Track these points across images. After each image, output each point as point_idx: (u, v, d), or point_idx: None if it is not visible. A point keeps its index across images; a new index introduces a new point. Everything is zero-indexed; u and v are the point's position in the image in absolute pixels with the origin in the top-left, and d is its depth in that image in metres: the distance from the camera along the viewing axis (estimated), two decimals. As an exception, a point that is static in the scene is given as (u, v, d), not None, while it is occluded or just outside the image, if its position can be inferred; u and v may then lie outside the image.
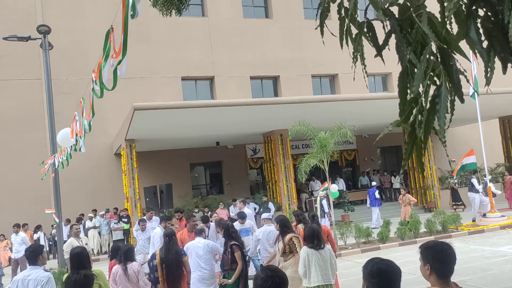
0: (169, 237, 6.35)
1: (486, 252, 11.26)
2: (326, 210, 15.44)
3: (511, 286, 8.00)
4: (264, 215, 8.38)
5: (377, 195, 17.97)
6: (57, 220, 11.51)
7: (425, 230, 13.98)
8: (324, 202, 15.60)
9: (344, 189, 21.50)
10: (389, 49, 2.10)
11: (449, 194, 20.45)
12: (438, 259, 2.54)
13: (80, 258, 5.12)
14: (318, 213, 15.12)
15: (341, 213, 19.22)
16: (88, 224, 17.46)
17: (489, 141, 21.02)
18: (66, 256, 9.39)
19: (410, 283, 8.59)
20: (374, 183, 19.20)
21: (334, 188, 15.45)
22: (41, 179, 15.47)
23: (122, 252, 6.06)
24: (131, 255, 6.05)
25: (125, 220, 16.52)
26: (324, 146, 13.00)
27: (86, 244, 9.84)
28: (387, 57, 2.31)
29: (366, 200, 23.76)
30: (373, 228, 15.61)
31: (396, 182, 23.47)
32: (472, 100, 14.47)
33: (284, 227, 6.51)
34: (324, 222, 15.09)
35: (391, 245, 13.08)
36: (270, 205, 18.08)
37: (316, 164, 13.44)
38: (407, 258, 10.80)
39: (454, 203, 19.77)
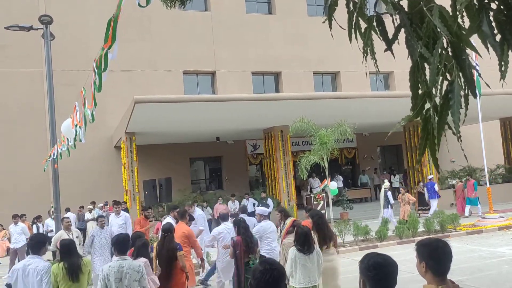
0: (165, 233, 6.35)
1: (484, 252, 11.27)
2: (392, 201, 16.01)
3: (509, 286, 8.00)
4: (259, 210, 8.33)
5: (436, 188, 18.63)
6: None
7: (424, 229, 13.99)
8: (389, 193, 16.17)
9: (344, 187, 21.50)
10: (398, 43, 2.08)
11: (416, 199, 20.22)
12: (434, 257, 2.54)
13: (69, 248, 5.26)
14: (382, 204, 15.91)
15: (339, 211, 19.23)
16: (87, 216, 17.50)
17: (489, 142, 21.03)
18: (53, 248, 9.32)
19: (407, 281, 8.60)
20: (431, 176, 19.43)
21: (333, 185, 15.48)
22: (43, 170, 15.44)
23: (136, 247, 6.00)
24: (144, 252, 5.97)
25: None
26: (325, 143, 13.02)
27: (77, 237, 9.30)
28: (390, 56, 2.29)
29: (365, 198, 23.93)
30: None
31: (396, 181, 23.49)
32: (474, 100, 14.47)
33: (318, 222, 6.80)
34: (388, 213, 15.75)
35: (389, 243, 13.09)
36: (269, 201, 18.10)
37: (316, 161, 13.45)
38: (404, 257, 10.78)
39: (419, 207, 19.31)
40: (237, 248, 6.55)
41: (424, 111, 1.83)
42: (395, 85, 25.39)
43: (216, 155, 23.21)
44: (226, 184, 22.95)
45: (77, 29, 20.54)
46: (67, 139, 8.32)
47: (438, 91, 1.77)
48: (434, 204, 18.40)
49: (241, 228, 6.74)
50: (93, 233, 9.24)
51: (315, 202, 18.60)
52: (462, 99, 1.73)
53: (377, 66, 1.99)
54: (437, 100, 1.77)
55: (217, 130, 19.26)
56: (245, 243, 6.59)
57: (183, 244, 7.18)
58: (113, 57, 4.16)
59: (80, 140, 7.05)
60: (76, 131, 7.22)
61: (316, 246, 6.02)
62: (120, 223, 11.26)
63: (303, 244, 5.68)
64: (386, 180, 17.58)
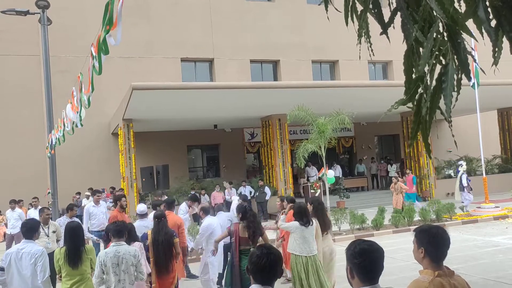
0: (159, 219, 6.35)
1: (478, 241, 11.36)
2: (465, 184, 16.16)
3: (502, 275, 8.07)
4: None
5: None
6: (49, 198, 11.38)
7: (419, 218, 14.07)
8: (464, 176, 16.32)
9: (341, 176, 21.57)
10: (393, 27, 2.06)
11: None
12: (433, 243, 2.55)
13: (72, 233, 5.27)
14: (457, 187, 16.26)
15: (336, 199, 19.32)
16: (85, 202, 17.50)
17: (487, 133, 21.08)
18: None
19: (402, 269, 8.69)
20: (461, 162, 19.62)
21: (331, 174, 15.51)
22: (47, 157, 15.38)
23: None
24: (133, 235, 6.09)
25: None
26: (322, 132, 13.00)
27: (54, 232, 8.09)
28: (388, 45, 2.29)
29: (361, 187, 24.02)
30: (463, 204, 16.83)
31: (392, 170, 23.57)
32: (472, 90, 14.47)
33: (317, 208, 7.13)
34: (465, 196, 16.04)
35: (385, 232, 13.16)
36: (267, 189, 18.17)
37: (314, 150, 13.45)
38: (400, 246, 10.90)
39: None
40: (232, 236, 6.35)
41: (417, 95, 1.83)
42: (393, 75, 25.33)
43: (213, 143, 23.21)
44: (224, 172, 22.99)
45: (74, 14, 20.36)
46: (64, 124, 8.30)
47: (432, 76, 1.76)
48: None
49: (249, 215, 6.40)
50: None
51: (312, 191, 18.68)
52: (455, 83, 1.72)
53: (371, 50, 1.98)
54: (431, 85, 1.77)
55: (215, 118, 19.24)
56: (251, 229, 6.25)
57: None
58: (117, 43, 4.10)
59: (76, 126, 7.03)
60: (78, 116, 7.23)
61: (315, 220, 6.57)
62: (104, 211, 10.81)
63: (301, 217, 6.37)
64: (463, 163, 17.42)
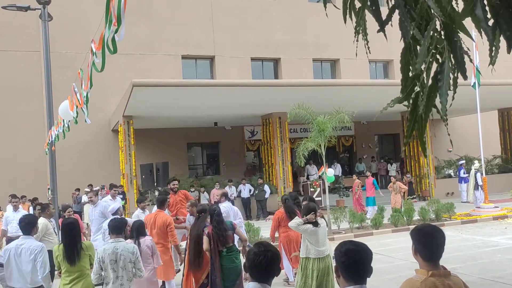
0: (199, 213, 6.43)
1: (477, 241, 11.36)
2: (480, 183, 16.23)
3: (500, 275, 8.08)
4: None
5: (462, 174, 19.24)
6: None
7: (419, 218, 14.08)
8: (478, 175, 16.33)
9: (341, 175, 21.57)
10: (391, 25, 2.06)
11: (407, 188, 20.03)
12: (423, 242, 2.57)
13: (68, 229, 5.27)
14: (472, 185, 16.52)
15: (336, 198, 19.33)
16: (84, 198, 17.51)
17: (487, 133, 21.06)
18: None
19: (400, 268, 8.71)
20: (462, 162, 19.66)
21: (331, 172, 15.52)
22: (45, 153, 15.39)
23: (134, 228, 6.19)
24: (142, 231, 6.21)
25: (121, 196, 16.59)
26: (322, 130, 12.99)
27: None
28: (389, 44, 2.28)
29: (361, 186, 24.01)
30: (464, 202, 17.11)
31: (392, 169, 23.58)
32: (472, 90, 14.47)
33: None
34: (479, 195, 16.21)
35: (384, 231, 13.17)
36: (266, 187, 18.18)
37: (314, 149, 13.45)
38: (399, 245, 10.93)
39: (408, 197, 18.50)
40: (211, 238, 6.24)
41: (413, 93, 1.83)
42: (394, 74, 25.31)
43: (213, 141, 23.22)
44: (224, 170, 23.00)
45: (75, 10, 20.34)
46: (63, 121, 8.29)
47: (429, 74, 1.76)
48: (462, 188, 18.83)
49: (213, 220, 6.28)
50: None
51: (311, 189, 18.69)
52: (452, 82, 1.72)
53: (368, 48, 1.98)
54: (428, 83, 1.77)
55: (215, 116, 19.24)
56: (215, 235, 6.18)
57: (164, 234, 7.12)
58: (120, 38, 4.10)
59: (81, 122, 7.02)
60: (77, 113, 7.22)
61: (323, 220, 6.59)
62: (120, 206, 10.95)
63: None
64: (476, 161, 17.27)
